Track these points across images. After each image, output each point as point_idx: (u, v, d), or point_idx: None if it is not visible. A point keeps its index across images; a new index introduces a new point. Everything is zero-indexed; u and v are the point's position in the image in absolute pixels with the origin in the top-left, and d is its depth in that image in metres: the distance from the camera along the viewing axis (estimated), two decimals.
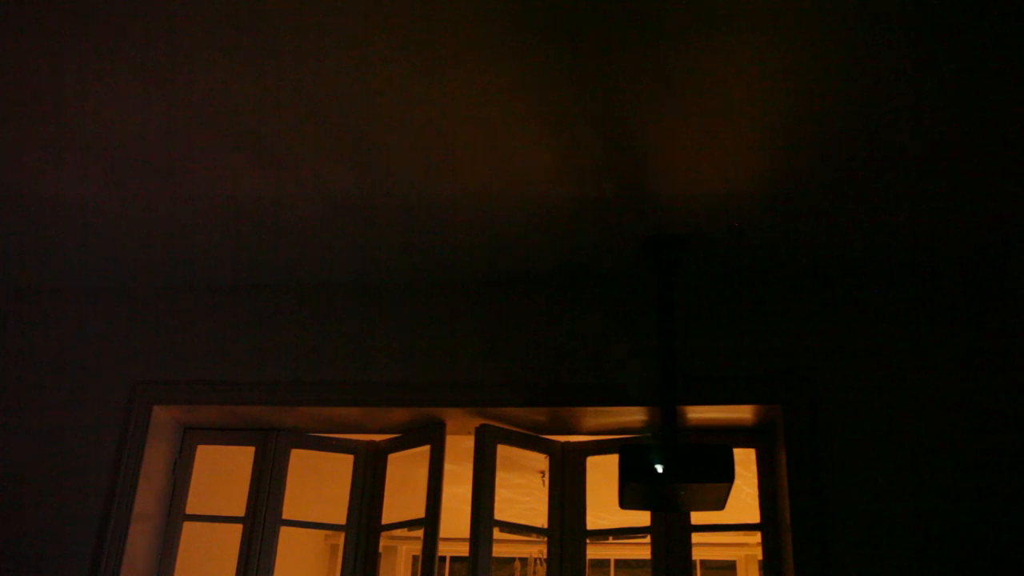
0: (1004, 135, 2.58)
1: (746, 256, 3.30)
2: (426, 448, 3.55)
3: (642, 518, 3.37)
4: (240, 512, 3.55)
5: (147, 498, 3.50)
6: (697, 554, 4.17)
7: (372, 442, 3.72)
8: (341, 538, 3.60)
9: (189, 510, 3.62)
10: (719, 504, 2.99)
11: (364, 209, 3.13)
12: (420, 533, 3.44)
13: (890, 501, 3.04)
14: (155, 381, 3.60)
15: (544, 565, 3.58)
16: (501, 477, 3.51)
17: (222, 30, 2.32)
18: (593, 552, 4.04)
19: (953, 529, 2.99)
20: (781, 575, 3.18)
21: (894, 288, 3.31)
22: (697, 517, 3.32)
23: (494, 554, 3.35)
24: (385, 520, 3.62)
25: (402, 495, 3.84)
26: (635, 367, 3.30)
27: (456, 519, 3.67)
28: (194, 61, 2.44)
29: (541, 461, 3.72)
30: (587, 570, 3.39)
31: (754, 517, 3.36)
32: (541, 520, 3.54)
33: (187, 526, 3.61)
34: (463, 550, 3.45)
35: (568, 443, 3.58)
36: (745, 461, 3.38)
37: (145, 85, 2.55)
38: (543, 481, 3.62)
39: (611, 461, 3.14)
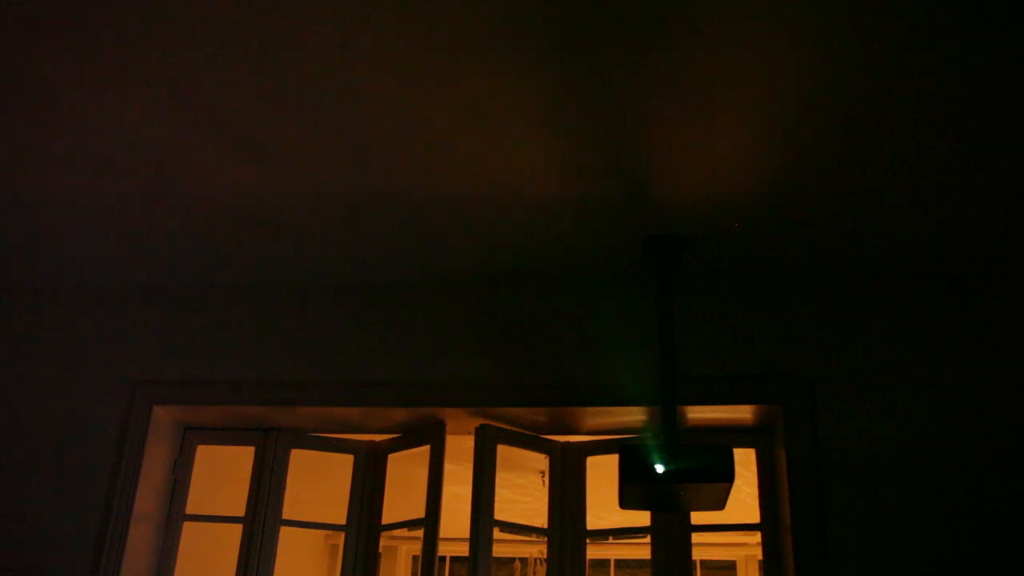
0: (1005, 135, 2.58)
1: (746, 256, 3.30)
2: (426, 448, 3.54)
3: (642, 518, 3.37)
4: (240, 512, 3.55)
5: (147, 498, 3.50)
6: (697, 554, 4.15)
7: (372, 442, 3.72)
8: (341, 538, 3.60)
9: (189, 510, 3.62)
10: (719, 504, 2.99)
11: (364, 209, 3.13)
12: (420, 533, 3.44)
13: (890, 501, 3.04)
14: (155, 381, 3.60)
15: (544, 565, 3.58)
16: (501, 477, 3.50)
17: (222, 30, 2.32)
18: (593, 552, 4.03)
19: (953, 529, 2.99)
20: (781, 575, 3.18)
21: (894, 288, 3.31)
22: (697, 517, 3.32)
23: (494, 554, 3.36)
24: (385, 520, 3.61)
25: (402, 495, 3.84)
26: (635, 367, 3.30)
27: (456, 519, 3.66)
28: (193, 61, 2.44)
29: (541, 461, 3.71)
30: (587, 570, 3.39)
31: (754, 517, 3.36)
32: (541, 520, 3.54)
33: (187, 526, 3.61)
34: (463, 550, 3.45)
35: (568, 443, 3.58)
36: (745, 461, 3.37)
37: (145, 84, 2.55)
38: (543, 481, 3.62)
39: (611, 461, 3.14)
